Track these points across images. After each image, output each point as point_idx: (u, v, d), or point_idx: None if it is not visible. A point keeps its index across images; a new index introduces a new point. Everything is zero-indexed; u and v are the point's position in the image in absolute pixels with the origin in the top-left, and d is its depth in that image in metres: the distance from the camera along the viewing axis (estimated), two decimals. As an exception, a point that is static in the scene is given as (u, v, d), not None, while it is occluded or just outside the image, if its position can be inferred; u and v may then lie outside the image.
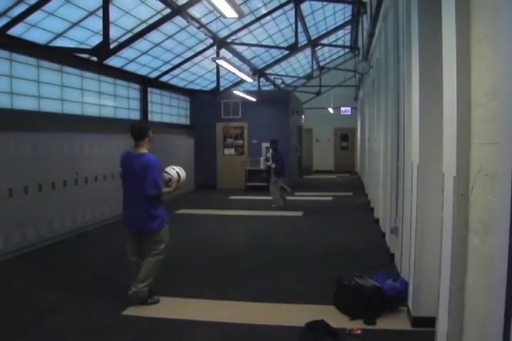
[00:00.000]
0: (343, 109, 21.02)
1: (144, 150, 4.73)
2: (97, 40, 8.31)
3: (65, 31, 8.70)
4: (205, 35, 12.23)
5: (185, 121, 16.00)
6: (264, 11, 13.01)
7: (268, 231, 8.53)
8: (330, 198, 13.08)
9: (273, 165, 11.38)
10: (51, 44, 8.64)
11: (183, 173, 4.92)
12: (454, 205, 2.64)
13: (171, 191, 4.85)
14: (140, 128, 4.76)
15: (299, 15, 12.93)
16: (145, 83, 12.63)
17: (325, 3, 14.03)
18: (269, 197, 11.66)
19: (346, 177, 20.17)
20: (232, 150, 15.80)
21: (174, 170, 4.85)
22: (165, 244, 4.79)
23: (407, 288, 4.37)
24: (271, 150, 11.82)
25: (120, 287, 4.96)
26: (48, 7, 7.70)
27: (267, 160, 12.34)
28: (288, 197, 11.90)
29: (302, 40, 15.79)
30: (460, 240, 2.57)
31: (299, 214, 10.40)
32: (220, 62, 9.83)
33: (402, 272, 5.14)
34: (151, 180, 4.55)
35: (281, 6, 12.98)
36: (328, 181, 18.96)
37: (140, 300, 4.66)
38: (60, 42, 8.70)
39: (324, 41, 17.46)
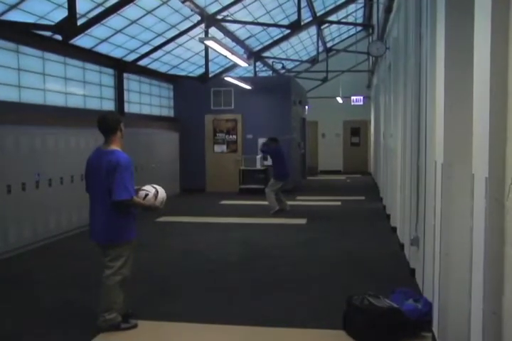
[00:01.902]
0: (353, 98, 21.04)
1: (115, 146, 4.65)
2: (61, 14, 8.23)
3: (20, 2, 8.56)
4: (192, 10, 12.19)
5: (168, 112, 15.97)
6: (261, -17, 13.03)
7: (266, 241, 8.50)
8: (338, 203, 13.08)
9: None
10: (3, 17, 8.51)
11: (162, 191, 4.78)
12: (487, 212, 2.60)
13: (145, 205, 4.66)
14: (109, 121, 4.64)
15: (302, -13, 12.94)
16: (120, 67, 12.58)
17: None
18: (267, 202, 11.66)
19: (358, 179, 20.19)
20: (223, 147, 15.79)
21: (153, 188, 4.75)
22: (123, 260, 4.62)
23: (431, 310, 4.35)
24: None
25: (88, 309, 4.92)
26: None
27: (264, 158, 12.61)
28: (289, 202, 11.91)
29: (306, 16, 15.77)
30: (494, 254, 2.54)
31: (303, 221, 10.39)
32: (209, 43, 9.79)
33: (425, 291, 5.12)
34: (119, 183, 4.43)
35: (282, -24, 12.99)
36: (337, 183, 18.97)
37: (112, 327, 4.62)
38: (14, 16, 8.56)
39: (332, 18, 17.46)
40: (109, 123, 4.63)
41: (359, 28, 21.04)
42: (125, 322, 4.69)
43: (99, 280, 4.67)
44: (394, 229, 8.88)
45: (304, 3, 14.26)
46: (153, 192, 4.72)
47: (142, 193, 4.69)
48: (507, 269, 2.45)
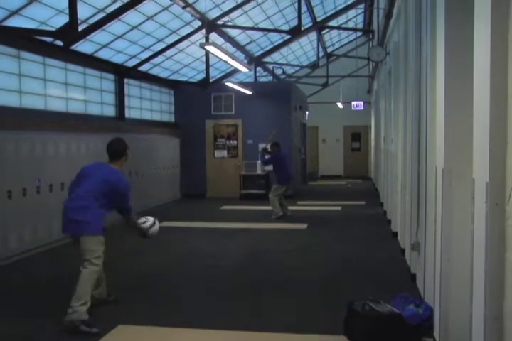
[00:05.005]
0: (354, 103, 21.04)
1: (117, 166, 5.24)
2: (62, 20, 8.24)
3: (21, 8, 8.61)
4: (192, 16, 12.22)
5: (168, 118, 15.98)
6: (261, -12, 13.06)
7: (266, 247, 8.49)
8: (339, 208, 13.07)
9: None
10: (4, 23, 8.55)
11: (157, 225, 5.42)
12: (487, 217, 2.60)
13: (138, 226, 5.27)
14: (118, 148, 5.26)
15: (302, -8, 12.97)
16: (121, 73, 12.59)
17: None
18: (268, 207, 11.65)
19: (358, 184, 20.17)
20: (224, 153, 15.78)
21: (153, 219, 5.39)
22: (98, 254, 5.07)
23: (433, 315, 4.34)
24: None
25: (91, 314, 4.90)
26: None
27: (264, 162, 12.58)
28: (290, 207, 11.90)
29: (306, 22, 15.81)
30: (495, 259, 2.53)
31: (303, 226, 10.38)
32: (210, 48, 9.82)
33: (426, 296, 5.10)
34: (127, 202, 5.16)
35: (282, -18, 13.03)
36: (337, 188, 18.96)
37: (73, 325, 4.69)
38: (16, 22, 8.59)
39: (332, 23, 17.50)
40: (117, 150, 5.26)
41: (359, 34, 21.05)
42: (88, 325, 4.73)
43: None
44: (395, 234, 8.86)
45: (304, 9, 14.29)
46: (152, 221, 5.33)
47: (142, 220, 5.29)
48: (508, 274, 2.45)
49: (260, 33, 16.01)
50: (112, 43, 11.49)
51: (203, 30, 12.81)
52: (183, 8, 11.45)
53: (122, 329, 4.82)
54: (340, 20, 18.46)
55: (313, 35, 17.84)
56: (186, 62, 15.30)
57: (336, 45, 22.48)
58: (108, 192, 5.01)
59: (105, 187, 5.01)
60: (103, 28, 10.16)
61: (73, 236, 5.11)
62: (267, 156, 12.05)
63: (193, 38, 13.44)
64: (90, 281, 4.90)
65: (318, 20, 16.53)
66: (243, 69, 12.47)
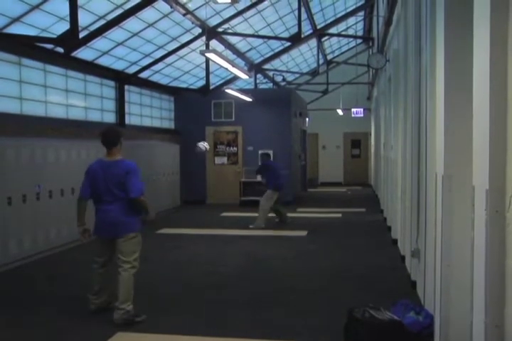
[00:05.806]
0: (354, 110, 21.07)
1: (118, 157, 5.27)
2: (63, 27, 8.26)
3: (23, 15, 8.65)
4: (192, 23, 12.26)
5: (169, 124, 15.99)
6: (261, -5, 13.08)
7: (266, 254, 8.47)
8: (339, 215, 13.05)
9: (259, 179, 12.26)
10: (6, 30, 8.59)
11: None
12: (487, 224, 2.59)
13: (146, 205, 5.29)
14: (112, 136, 5.28)
15: None
16: (121, 80, 12.62)
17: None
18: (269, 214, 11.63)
19: (358, 191, 20.17)
20: (224, 159, 15.79)
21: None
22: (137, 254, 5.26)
23: (433, 323, 4.31)
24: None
25: (90, 321, 4.88)
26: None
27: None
28: (290, 214, 11.88)
29: (306, 29, 15.86)
30: (496, 266, 2.52)
31: (303, 233, 10.36)
32: (210, 55, 9.83)
33: (426, 303, 5.08)
34: (133, 184, 5.11)
35: (282, -11, 13.08)
36: (337, 195, 18.94)
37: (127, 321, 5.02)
38: (17, 29, 8.64)
39: (332, 30, 17.58)
40: (111, 138, 5.26)
41: (359, 41, 21.14)
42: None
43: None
44: (395, 241, 8.84)
45: (304, 16, 14.35)
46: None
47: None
48: (509, 281, 2.43)
49: (260, 40, 16.07)
50: (113, 50, 11.52)
51: (204, 37, 12.85)
52: (184, 15, 11.49)
53: (121, 336, 4.80)
54: (340, 27, 18.52)
55: (313, 43, 17.91)
56: (186, 69, 15.34)
57: (336, 52, 22.57)
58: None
59: (124, 179, 5.17)
60: (104, 35, 10.20)
61: (114, 238, 5.26)
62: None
63: (193, 45, 13.48)
64: (132, 283, 5.15)
65: (319, 27, 16.59)
66: (243, 76, 12.49)
